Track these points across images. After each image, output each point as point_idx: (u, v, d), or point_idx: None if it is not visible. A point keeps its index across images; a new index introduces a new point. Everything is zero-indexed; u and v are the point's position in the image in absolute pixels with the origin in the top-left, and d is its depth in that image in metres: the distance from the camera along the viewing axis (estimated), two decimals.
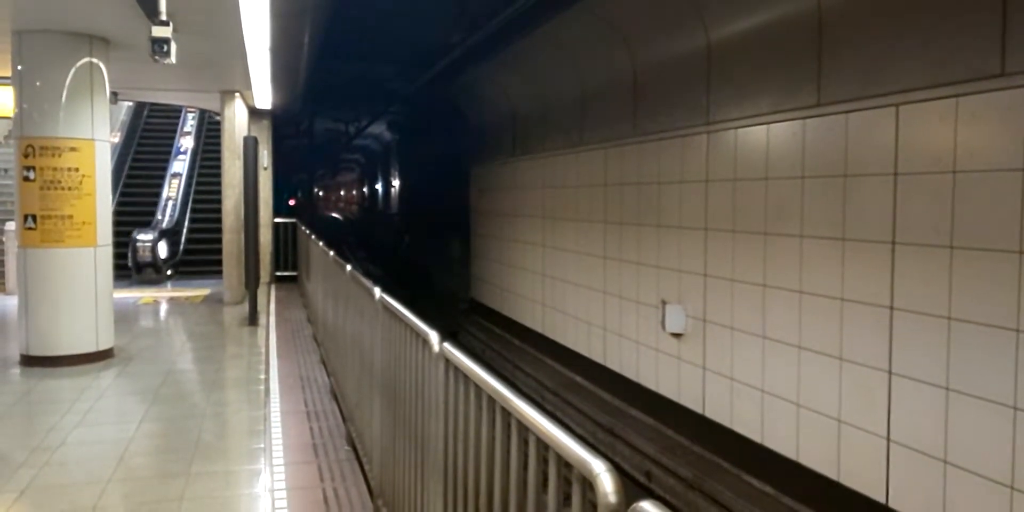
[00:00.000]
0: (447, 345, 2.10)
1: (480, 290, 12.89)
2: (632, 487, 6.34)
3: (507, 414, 1.62)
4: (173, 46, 4.85)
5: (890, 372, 4.49)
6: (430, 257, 17.69)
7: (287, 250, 13.23)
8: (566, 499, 1.42)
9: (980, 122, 3.96)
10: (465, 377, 1.93)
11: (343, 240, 27.25)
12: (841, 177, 4.85)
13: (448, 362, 2.07)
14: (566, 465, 1.31)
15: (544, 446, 1.41)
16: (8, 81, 7.05)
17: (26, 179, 6.49)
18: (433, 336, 2.25)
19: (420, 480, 2.48)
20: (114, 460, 4.29)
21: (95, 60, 6.64)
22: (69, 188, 6.53)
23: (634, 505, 1.01)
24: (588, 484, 1.19)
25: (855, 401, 4.76)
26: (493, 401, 1.71)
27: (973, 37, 4.00)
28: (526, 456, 1.52)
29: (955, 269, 4.07)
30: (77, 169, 6.55)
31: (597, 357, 8.29)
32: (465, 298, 13.73)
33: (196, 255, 14.00)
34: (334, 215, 47.90)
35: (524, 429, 1.52)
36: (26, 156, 6.47)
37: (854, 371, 4.76)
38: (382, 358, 3.23)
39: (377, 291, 3.26)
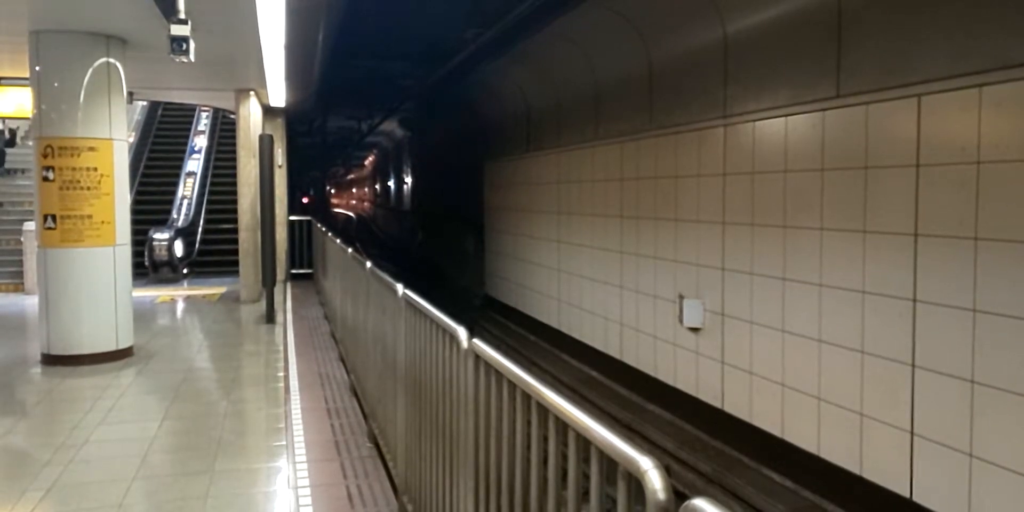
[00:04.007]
0: (477, 341, 2.09)
1: (495, 286, 12.89)
2: None
3: (544, 410, 1.61)
4: (192, 44, 4.86)
5: (913, 365, 4.46)
6: (444, 253, 17.70)
7: (302, 248, 13.27)
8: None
9: (1005, 112, 3.92)
10: (497, 373, 1.92)
11: (356, 237, 27.31)
12: (862, 169, 4.81)
13: (478, 358, 2.07)
14: (609, 462, 1.29)
15: (585, 442, 1.40)
16: (26, 82, 7.08)
17: (45, 179, 6.53)
18: (462, 332, 2.24)
19: (449, 476, 2.48)
20: (138, 458, 4.31)
21: (112, 60, 6.67)
22: (88, 188, 6.56)
23: (687, 503, 0.99)
24: (634, 481, 1.18)
25: (878, 395, 4.73)
26: (528, 397, 1.70)
27: (996, 26, 3.95)
28: (564, 453, 1.51)
29: (980, 260, 4.03)
30: (96, 169, 6.58)
31: (614, 352, 8.28)
32: (479, 294, 13.73)
33: (211, 251, 14.07)
34: (347, 212, 48.01)
35: (563, 425, 1.51)
36: (45, 156, 6.51)
37: (876, 364, 4.73)
38: (406, 355, 3.23)
39: (400, 288, 3.26)
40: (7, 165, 14.52)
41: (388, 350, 3.73)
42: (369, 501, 3.77)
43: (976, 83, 4.04)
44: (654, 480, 1.12)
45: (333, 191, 51.66)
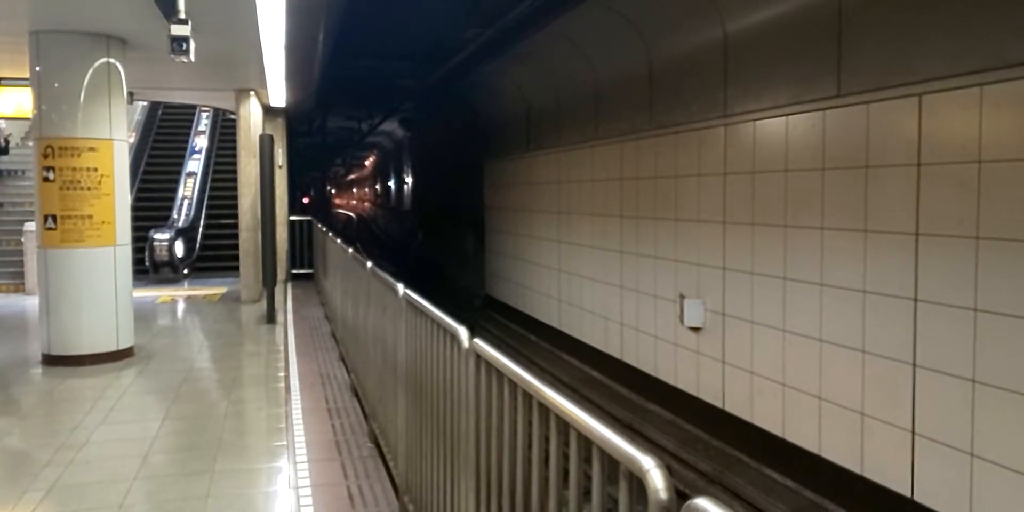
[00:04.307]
0: (478, 341, 2.09)
1: (495, 286, 12.89)
2: None
3: (545, 409, 1.61)
4: (192, 44, 4.85)
5: (914, 364, 4.45)
6: (444, 253, 17.70)
7: (303, 248, 13.26)
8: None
9: (1005, 111, 3.91)
10: (498, 372, 1.91)
11: (356, 237, 27.32)
12: (863, 168, 4.81)
13: (479, 358, 2.06)
14: (610, 461, 1.29)
15: (586, 442, 1.40)
16: (26, 82, 7.07)
17: (46, 180, 6.52)
18: (463, 332, 2.24)
19: (450, 476, 2.48)
20: (138, 458, 4.30)
21: (112, 60, 6.66)
22: (88, 188, 6.56)
23: (689, 502, 0.99)
24: (636, 481, 1.18)
25: (879, 394, 4.72)
26: (529, 396, 1.69)
27: (996, 25, 3.95)
28: (566, 452, 1.51)
29: (981, 259, 4.03)
30: (96, 169, 6.58)
31: (614, 352, 8.28)
32: (480, 294, 13.73)
33: (212, 248, 14.08)
34: (347, 212, 48.00)
35: (564, 425, 1.51)
36: (45, 157, 6.51)
37: (877, 364, 4.73)
38: (406, 355, 3.23)
39: (401, 288, 3.25)
40: (1, 166, 14.53)
41: (389, 350, 3.73)
42: (370, 501, 3.76)
43: (976, 82, 4.04)
44: (656, 479, 1.12)
45: (333, 191, 51.64)
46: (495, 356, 1.94)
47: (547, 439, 1.62)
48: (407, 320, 3.17)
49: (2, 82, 8.59)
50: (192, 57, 4.97)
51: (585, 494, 1.49)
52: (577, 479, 1.47)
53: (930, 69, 4.32)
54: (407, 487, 3.38)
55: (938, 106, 4.29)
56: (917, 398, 4.44)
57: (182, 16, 4.83)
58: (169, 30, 4.79)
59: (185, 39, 4.80)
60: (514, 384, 1.80)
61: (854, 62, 4.89)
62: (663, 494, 1.10)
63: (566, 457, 1.53)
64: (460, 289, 15.31)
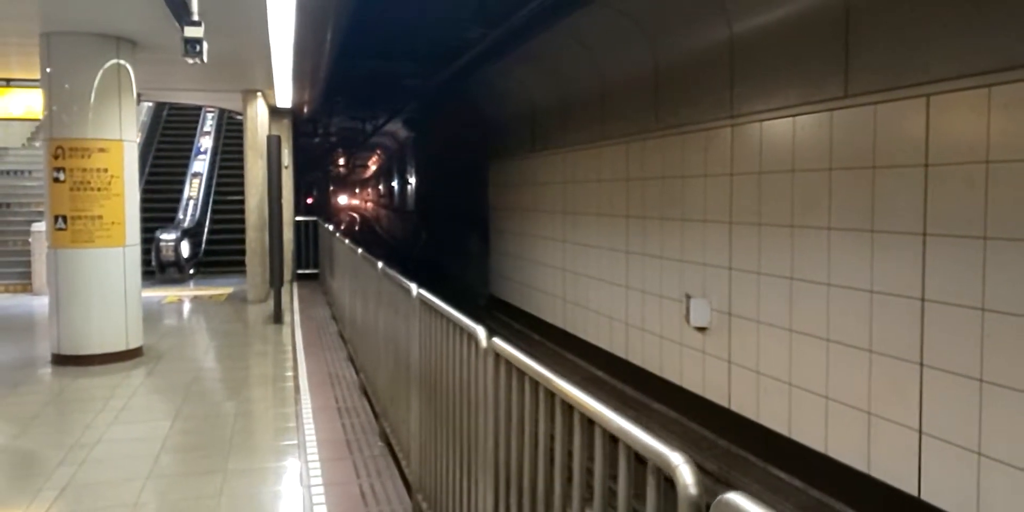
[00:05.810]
0: (496, 340, 2.12)
1: (499, 286, 12.91)
2: None
3: (568, 407, 1.64)
4: (205, 46, 4.88)
5: (922, 364, 4.47)
6: (448, 254, 17.73)
7: (308, 248, 13.30)
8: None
9: (1013, 112, 3.93)
10: (519, 371, 1.94)
11: (360, 237, 27.35)
12: (870, 169, 4.83)
13: (499, 357, 2.09)
14: (637, 458, 1.32)
15: (612, 439, 1.42)
16: (37, 83, 7.11)
17: (56, 180, 6.56)
18: (481, 331, 2.27)
19: (466, 475, 2.50)
20: (150, 457, 4.34)
21: (122, 61, 6.70)
22: (98, 189, 6.59)
23: (720, 497, 1.02)
24: (663, 477, 1.21)
25: (886, 393, 4.74)
26: (552, 394, 1.72)
27: (1004, 26, 3.97)
28: (590, 449, 1.53)
29: (989, 259, 4.05)
30: (106, 170, 6.61)
31: (619, 351, 8.30)
32: (484, 294, 13.75)
33: (217, 254, 14.12)
34: (351, 213, 48.05)
35: (588, 422, 1.53)
36: (56, 157, 6.54)
37: (884, 363, 4.75)
38: (420, 354, 3.25)
39: (415, 288, 3.28)
40: (9, 166, 14.58)
41: (401, 350, 3.75)
42: (383, 499, 3.79)
43: (985, 83, 4.06)
44: (685, 475, 1.15)
45: (336, 191, 51.64)
46: (515, 355, 1.97)
47: (570, 437, 1.65)
48: (421, 320, 3.19)
49: (13, 83, 8.64)
50: (205, 58, 5.00)
51: (608, 491, 1.52)
52: (602, 476, 1.50)
53: (938, 70, 4.34)
54: (420, 485, 3.41)
55: (946, 107, 4.31)
56: (924, 397, 4.46)
57: (195, 18, 4.85)
58: (183, 32, 4.81)
59: (199, 41, 4.81)
60: (535, 383, 1.83)
61: (861, 63, 4.91)
62: (693, 489, 1.13)
63: (590, 455, 1.55)
64: (464, 289, 15.33)
